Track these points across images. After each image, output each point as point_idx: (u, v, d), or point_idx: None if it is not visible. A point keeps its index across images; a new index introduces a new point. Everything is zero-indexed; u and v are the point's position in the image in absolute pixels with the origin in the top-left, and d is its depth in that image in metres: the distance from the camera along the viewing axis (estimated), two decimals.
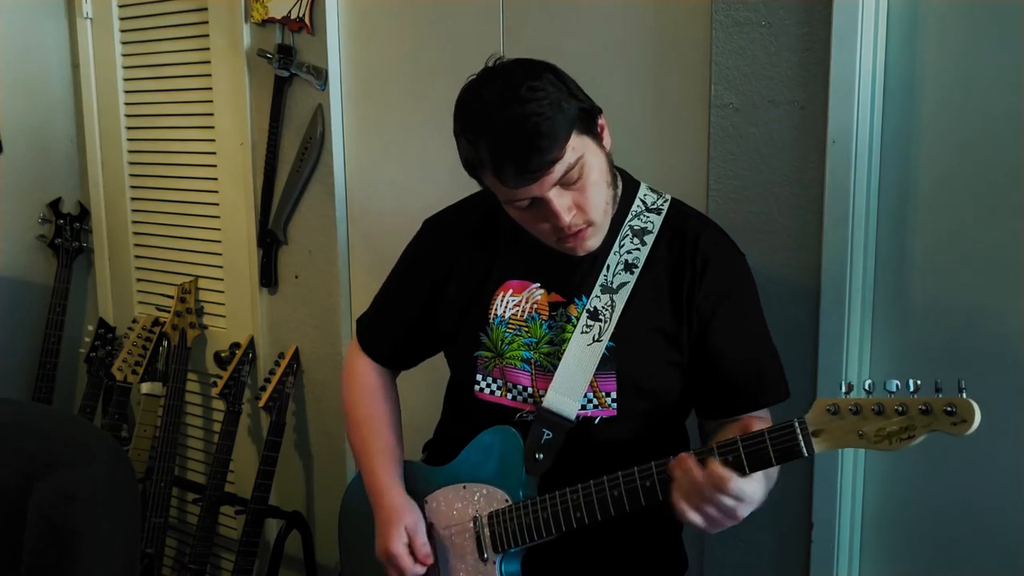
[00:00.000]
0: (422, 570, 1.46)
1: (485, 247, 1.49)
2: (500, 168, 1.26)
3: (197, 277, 2.63)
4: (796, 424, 1.17)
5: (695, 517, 1.21)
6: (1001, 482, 1.54)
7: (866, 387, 1.16)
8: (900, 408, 1.12)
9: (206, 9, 2.43)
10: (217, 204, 2.55)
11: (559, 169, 1.26)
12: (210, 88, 2.47)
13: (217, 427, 2.55)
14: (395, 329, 1.60)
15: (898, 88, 1.56)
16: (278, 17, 2.27)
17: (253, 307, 2.51)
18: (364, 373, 1.62)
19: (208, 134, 2.51)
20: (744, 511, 1.22)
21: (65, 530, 1.37)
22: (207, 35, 2.45)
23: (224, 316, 2.61)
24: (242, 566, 2.41)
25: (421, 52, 2.13)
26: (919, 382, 1.12)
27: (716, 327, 1.38)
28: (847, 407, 1.15)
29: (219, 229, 2.56)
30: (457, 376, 1.54)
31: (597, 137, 1.33)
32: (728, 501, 1.19)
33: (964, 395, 1.10)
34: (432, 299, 1.53)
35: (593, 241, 1.36)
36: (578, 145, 1.28)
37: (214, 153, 2.51)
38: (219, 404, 2.59)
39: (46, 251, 2.84)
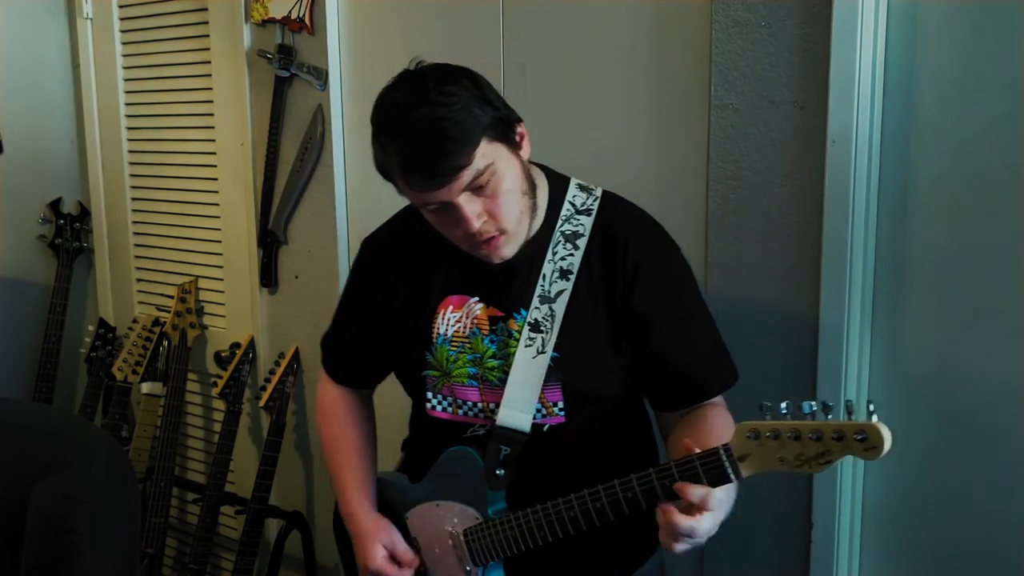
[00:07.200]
0: (409, 573, 1.47)
1: (422, 262, 1.46)
2: (408, 172, 1.26)
3: (197, 277, 2.63)
4: (721, 451, 1.17)
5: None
6: (1000, 482, 1.54)
7: (783, 409, 1.13)
8: (814, 435, 1.10)
9: (206, 9, 2.43)
10: (217, 204, 2.55)
11: (467, 175, 1.24)
12: (210, 88, 2.47)
13: (217, 427, 2.56)
14: (348, 349, 1.59)
15: (898, 88, 1.56)
16: (278, 17, 2.27)
17: (253, 307, 2.51)
18: (331, 399, 1.62)
19: (208, 134, 2.51)
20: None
21: (65, 530, 1.37)
22: (207, 35, 2.45)
23: (224, 316, 2.61)
24: (242, 566, 2.41)
25: (421, 52, 2.12)
26: (831, 403, 1.11)
27: (656, 327, 1.37)
28: (766, 432, 1.13)
29: (219, 229, 2.56)
30: (409, 394, 1.53)
31: (514, 145, 1.32)
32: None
33: (875, 418, 1.07)
34: (375, 318, 1.51)
35: (508, 249, 1.34)
36: (489, 152, 1.26)
37: (214, 153, 2.51)
38: (219, 404, 2.59)
39: (46, 251, 2.84)
